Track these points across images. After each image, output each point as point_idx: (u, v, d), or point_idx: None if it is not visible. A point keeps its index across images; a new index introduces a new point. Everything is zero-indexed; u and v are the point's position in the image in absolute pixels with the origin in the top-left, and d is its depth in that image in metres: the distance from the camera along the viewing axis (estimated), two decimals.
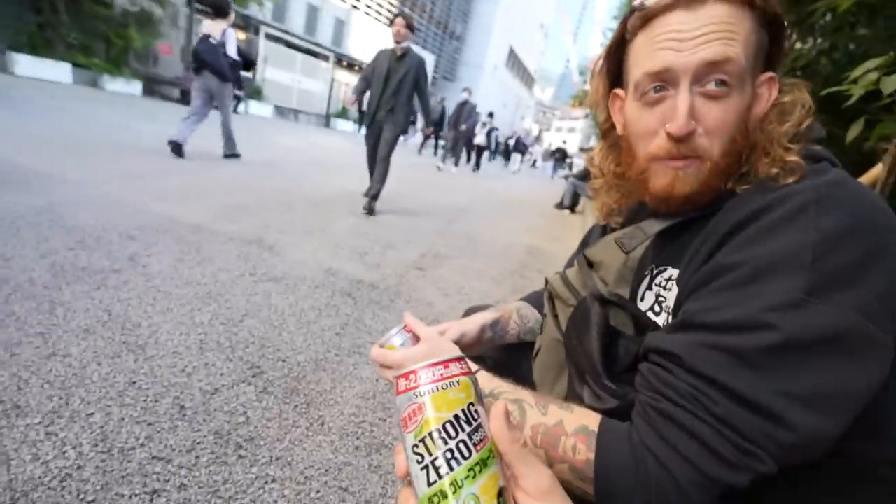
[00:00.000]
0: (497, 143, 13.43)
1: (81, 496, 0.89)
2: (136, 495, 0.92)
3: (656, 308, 0.55)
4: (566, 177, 7.62)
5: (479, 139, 11.41)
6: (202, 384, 1.28)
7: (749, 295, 0.42)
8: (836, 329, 0.39)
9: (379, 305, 2.05)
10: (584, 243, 0.79)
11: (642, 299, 0.58)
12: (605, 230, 0.74)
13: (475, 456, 0.27)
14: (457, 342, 0.63)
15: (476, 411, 0.29)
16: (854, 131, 1.23)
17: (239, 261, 2.21)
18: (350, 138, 13.23)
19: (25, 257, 1.77)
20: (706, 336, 0.43)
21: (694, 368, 0.42)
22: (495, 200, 6.87)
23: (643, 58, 0.53)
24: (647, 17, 0.53)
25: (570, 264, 0.78)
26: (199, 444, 1.08)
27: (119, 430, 1.06)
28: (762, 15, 0.50)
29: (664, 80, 0.51)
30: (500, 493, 0.27)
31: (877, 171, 1.30)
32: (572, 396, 0.58)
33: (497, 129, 13.70)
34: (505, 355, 0.84)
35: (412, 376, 0.29)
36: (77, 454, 0.98)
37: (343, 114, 18.66)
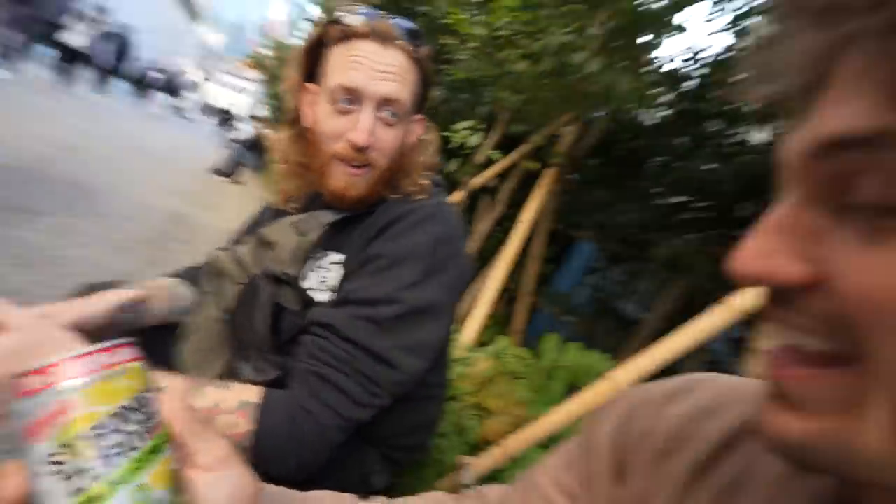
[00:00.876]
0: (128, 64, 10.01)
1: None
2: None
3: (319, 287, 0.66)
4: (233, 141, 6.90)
5: (76, 38, 7.59)
6: None
7: (388, 278, 0.59)
8: (435, 301, 0.60)
9: None
10: (257, 222, 0.81)
11: (306, 279, 0.67)
12: (278, 212, 0.79)
13: (147, 445, 0.25)
14: (77, 327, 0.50)
15: (148, 398, 0.26)
16: (453, 166, 1.83)
17: None
18: None
19: None
20: (357, 309, 0.57)
21: (346, 336, 0.56)
22: (130, 146, 5.38)
23: (339, 70, 0.63)
24: (346, 35, 0.62)
25: (236, 242, 0.78)
26: None
27: None
28: (423, 71, 0.69)
29: (353, 96, 0.62)
30: (173, 477, 0.26)
31: (459, 195, 1.99)
32: (230, 375, 0.60)
33: (130, 43, 9.96)
34: (143, 339, 0.74)
35: (52, 371, 0.23)
36: None
37: None
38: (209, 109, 19.13)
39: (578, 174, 2.51)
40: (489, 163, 2.19)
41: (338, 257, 0.66)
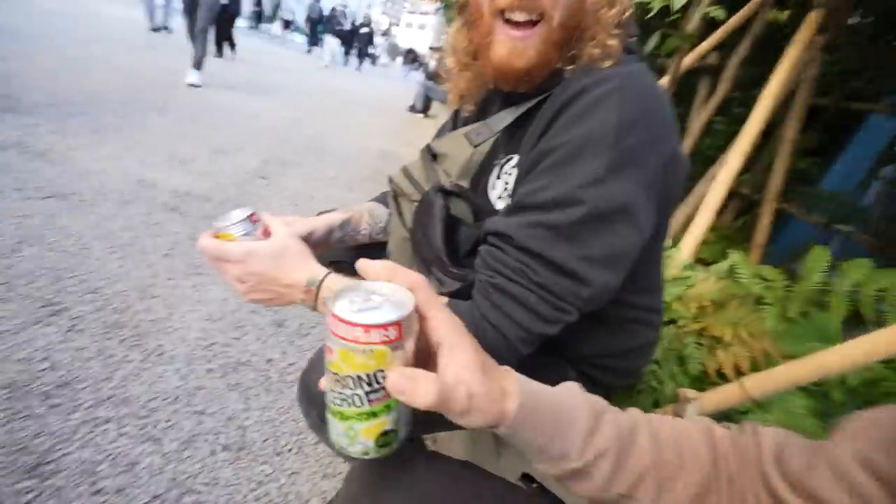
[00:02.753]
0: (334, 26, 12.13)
1: None
2: None
3: (503, 195, 0.61)
4: (423, 78, 7.36)
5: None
6: None
7: (566, 174, 0.48)
8: (625, 201, 0.48)
9: (216, 219, 1.80)
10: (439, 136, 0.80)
11: (493, 188, 0.63)
12: (454, 126, 0.75)
13: (366, 408, 0.32)
14: (304, 239, 0.60)
15: (381, 377, 0.31)
16: (651, 43, 1.45)
17: None
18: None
19: None
20: (532, 215, 0.49)
21: (521, 245, 0.49)
22: (340, 100, 6.33)
23: None
24: None
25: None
26: None
27: None
28: None
29: None
30: (383, 434, 0.33)
31: (664, 81, 1.59)
32: None
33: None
34: (361, 257, 0.85)
35: (332, 322, 0.30)
36: None
37: None
38: (396, 51, 20.47)
39: (858, 20, 1.66)
40: (708, 29, 1.64)
41: (516, 159, 0.58)
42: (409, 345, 0.32)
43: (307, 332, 1.35)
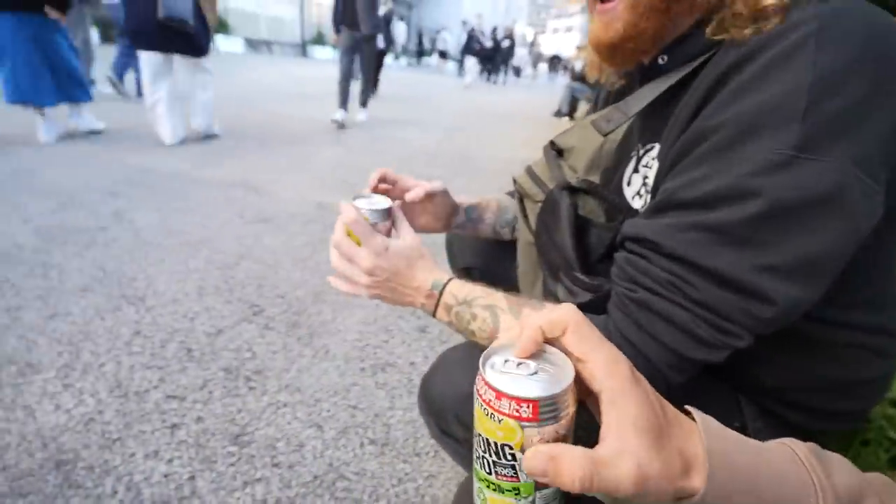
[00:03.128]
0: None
1: (107, 435, 0.95)
2: (157, 430, 0.98)
3: (641, 192, 0.51)
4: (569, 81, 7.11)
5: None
6: (205, 327, 1.31)
7: (732, 160, 0.36)
8: (827, 186, 0.34)
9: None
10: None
11: (629, 184, 0.53)
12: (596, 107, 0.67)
13: (493, 479, 0.28)
14: (423, 206, 0.60)
15: (510, 454, 0.26)
16: None
17: (225, 205, 2.17)
18: (329, 66, 12.39)
19: (8, 224, 1.75)
20: (684, 216, 0.39)
21: (672, 253, 0.39)
22: (484, 116, 6.53)
23: None
24: None
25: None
26: (210, 381, 1.12)
27: (131, 377, 1.11)
28: None
29: None
30: None
31: None
32: (548, 297, 0.56)
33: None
34: (492, 264, 0.83)
35: (480, 378, 0.27)
36: (96, 401, 1.03)
37: (320, 40, 17.26)
38: (539, 59, 20.25)
39: None
40: None
41: (658, 149, 0.47)
42: (553, 429, 0.26)
43: (446, 339, 1.40)
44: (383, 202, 0.57)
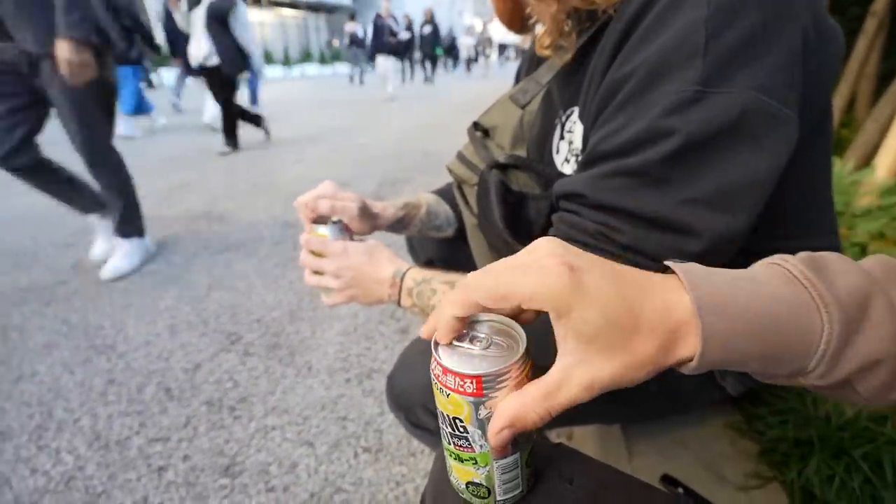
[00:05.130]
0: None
1: (91, 490, 0.92)
2: (143, 476, 0.95)
3: (569, 157, 0.51)
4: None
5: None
6: (182, 364, 1.28)
7: (645, 105, 0.37)
8: (734, 115, 0.35)
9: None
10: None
11: (558, 151, 0.54)
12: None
13: (453, 448, 0.28)
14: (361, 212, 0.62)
15: (464, 427, 0.27)
16: None
17: (191, 239, 2.11)
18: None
19: None
20: (608, 165, 0.39)
21: (599, 202, 0.40)
22: (449, 107, 6.53)
23: None
24: None
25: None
26: (192, 417, 1.10)
27: (110, 426, 1.07)
28: None
29: None
30: (473, 484, 0.29)
31: None
32: None
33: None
34: (453, 255, 0.83)
35: (435, 356, 0.28)
36: (74, 458, 0.99)
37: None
38: (489, 45, 19.89)
39: None
40: None
41: (578, 111, 0.48)
42: (502, 396, 0.27)
43: None
44: (335, 218, 0.61)
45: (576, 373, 0.23)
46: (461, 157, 0.66)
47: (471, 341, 0.28)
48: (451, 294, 0.27)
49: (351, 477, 0.95)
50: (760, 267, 0.26)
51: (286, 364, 1.28)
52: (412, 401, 0.54)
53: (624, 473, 0.35)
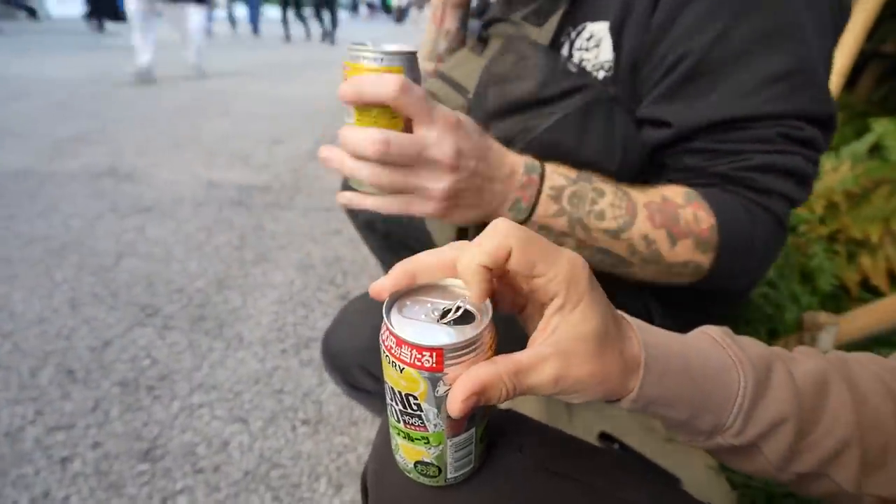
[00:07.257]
0: None
1: None
2: (42, 469, 0.84)
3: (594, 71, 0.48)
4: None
5: None
6: (87, 341, 1.13)
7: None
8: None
9: (278, 206, 1.87)
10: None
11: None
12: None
13: (402, 427, 0.26)
14: None
15: (418, 405, 0.24)
16: None
17: (92, 199, 1.85)
18: None
19: None
20: (743, 73, 0.41)
21: (769, 114, 0.41)
22: None
23: None
24: None
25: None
26: (102, 399, 0.98)
27: None
28: None
29: None
30: (423, 463, 0.27)
31: None
32: None
33: None
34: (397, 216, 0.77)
35: (384, 323, 0.25)
36: None
37: None
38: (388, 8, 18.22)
39: None
40: None
41: (598, 27, 0.46)
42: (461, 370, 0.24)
43: None
44: (407, 48, 0.36)
45: (551, 363, 0.24)
46: (443, 76, 0.57)
47: (428, 310, 0.25)
48: (476, 239, 0.24)
49: (289, 451, 0.90)
50: (688, 334, 0.30)
51: (214, 337, 1.17)
52: (349, 361, 0.50)
53: (570, 436, 0.35)
